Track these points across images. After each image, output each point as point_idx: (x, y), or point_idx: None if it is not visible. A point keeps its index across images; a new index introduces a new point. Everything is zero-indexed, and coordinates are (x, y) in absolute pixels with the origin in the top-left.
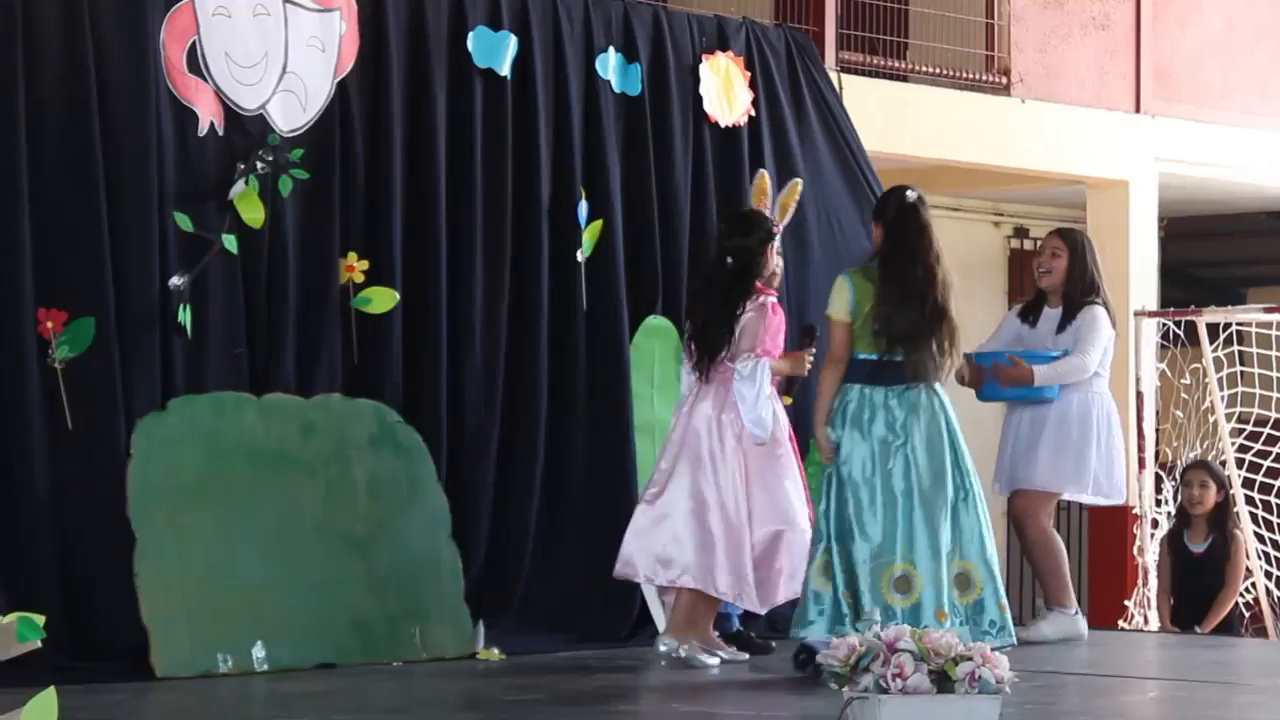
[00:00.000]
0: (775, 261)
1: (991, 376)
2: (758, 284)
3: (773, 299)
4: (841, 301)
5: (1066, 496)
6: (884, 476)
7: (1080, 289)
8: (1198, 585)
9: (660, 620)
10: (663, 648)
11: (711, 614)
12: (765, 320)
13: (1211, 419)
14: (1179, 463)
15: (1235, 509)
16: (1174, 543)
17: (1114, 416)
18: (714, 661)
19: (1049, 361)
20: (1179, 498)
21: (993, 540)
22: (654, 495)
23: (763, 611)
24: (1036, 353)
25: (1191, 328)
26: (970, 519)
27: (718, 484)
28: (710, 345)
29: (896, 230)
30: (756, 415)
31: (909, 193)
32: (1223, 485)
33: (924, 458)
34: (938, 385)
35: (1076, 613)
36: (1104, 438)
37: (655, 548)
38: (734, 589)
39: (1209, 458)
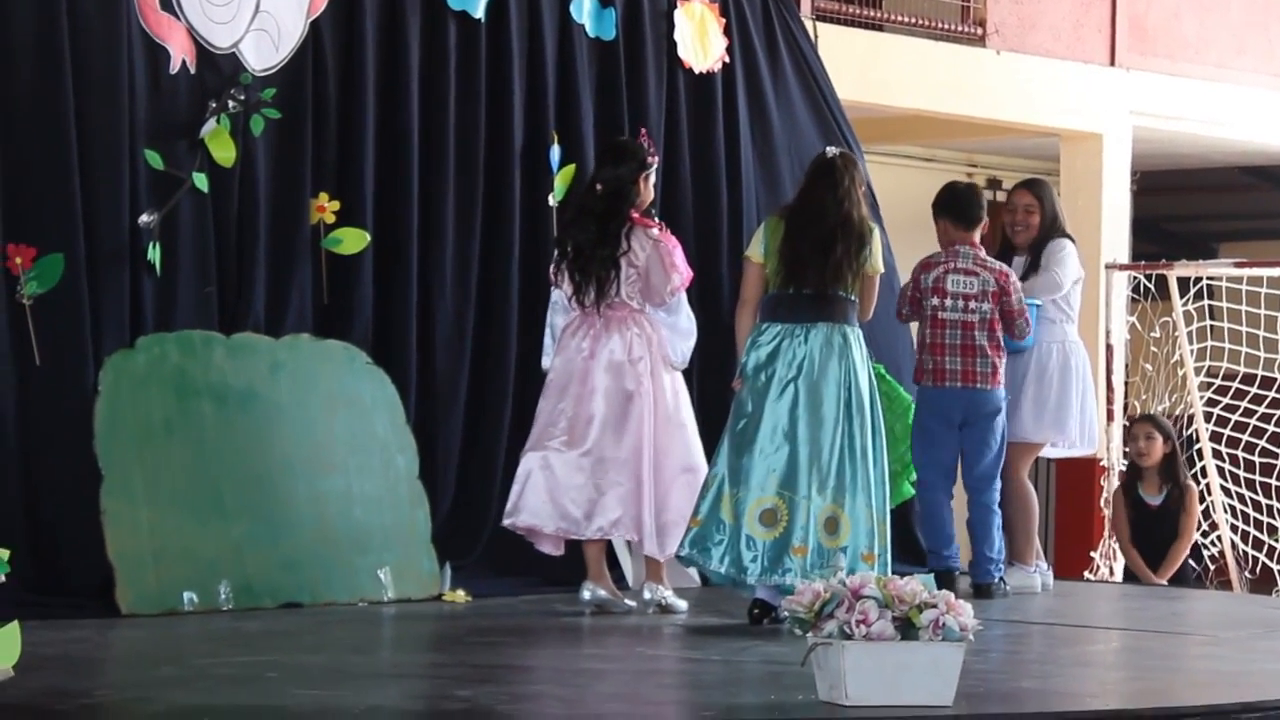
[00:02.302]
0: (649, 192)
1: None
2: (634, 214)
3: (655, 230)
4: (756, 242)
5: (1047, 450)
6: (773, 411)
7: (1049, 234)
8: (1155, 536)
9: (629, 569)
10: (647, 595)
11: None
12: (665, 256)
13: (1180, 372)
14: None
15: (1185, 458)
16: (1129, 495)
17: (1088, 366)
18: (684, 605)
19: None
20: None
21: (880, 495)
22: (565, 443)
23: (662, 558)
24: None
25: (1162, 281)
26: (855, 467)
27: (648, 433)
28: (594, 279)
29: (808, 182)
30: (685, 346)
31: (829, 150)
32: (1169, 437)
33: (817, 396)
34: (849, 327)
35: (1035, 570)
36: (1081, 388)
37: (578, 499)
38: (650, 535)
39: (1155, 410)
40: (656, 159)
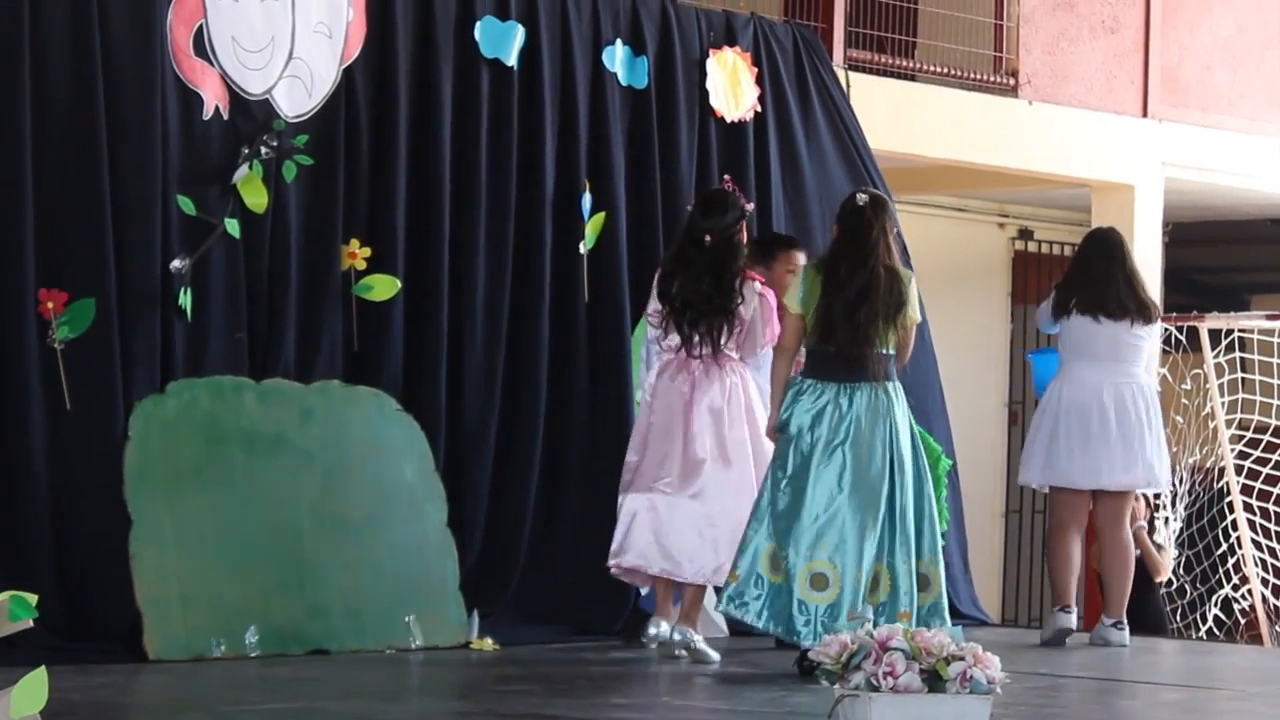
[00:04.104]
0: (745, 239)
1: None
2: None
3: (759, 284)
4: (794, 294)
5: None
6: (820, 475)
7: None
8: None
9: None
10: (677, 636)
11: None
12: (767, 310)
13: (1211, 425)
14: (1179, 468)
15: (1215, 511)
16: None
17: (1144, 402)
18: (717, 656)
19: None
20: None
21: (931, 545)
22: (670, 485)
23: None
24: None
25: (1194, 333)
26: (896, 526)
27: (749, 479)
28: (708, 330)
29: (843, 232)
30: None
31: (859, 196)
32: None
33: (864, 457)
34: (891, 384)
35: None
36: (1119, 424)
37: (683, 540)
38: None
39: (1186, 463)
40: (751, 205)
